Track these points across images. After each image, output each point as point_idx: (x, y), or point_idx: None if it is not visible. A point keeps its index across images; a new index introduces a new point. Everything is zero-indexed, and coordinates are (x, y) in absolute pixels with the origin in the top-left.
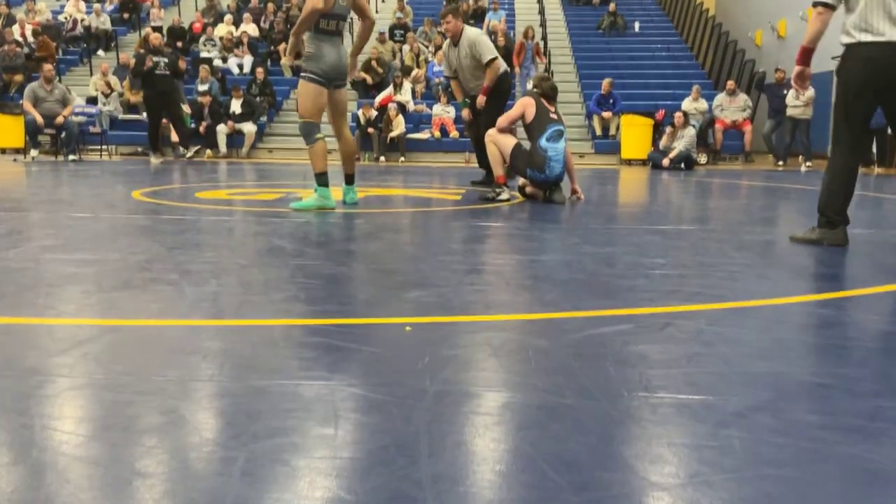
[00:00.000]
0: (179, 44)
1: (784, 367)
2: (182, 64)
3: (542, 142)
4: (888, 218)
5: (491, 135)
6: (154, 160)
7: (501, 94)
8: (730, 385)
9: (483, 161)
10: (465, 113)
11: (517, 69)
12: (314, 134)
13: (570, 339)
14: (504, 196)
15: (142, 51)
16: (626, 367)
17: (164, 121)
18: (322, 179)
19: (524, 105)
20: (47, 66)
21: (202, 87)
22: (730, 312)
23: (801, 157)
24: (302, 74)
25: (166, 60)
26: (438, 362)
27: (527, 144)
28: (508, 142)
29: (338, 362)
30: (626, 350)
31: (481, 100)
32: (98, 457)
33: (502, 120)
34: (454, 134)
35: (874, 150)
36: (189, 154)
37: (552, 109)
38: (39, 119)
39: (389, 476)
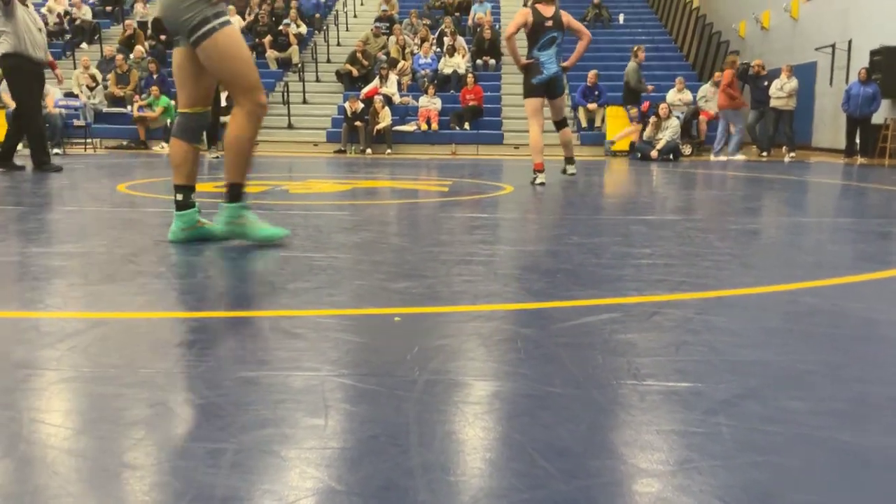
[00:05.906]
0: (163, 37)
1: (771, 354)
2: None
3: (535, 52)
4: (871, 207)
5: (531, 120)
6: (209, 155)
7: None
8: (717, 373)
9: (34, 147)
10: None
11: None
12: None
13: (558, 329)
14: (540, 180)
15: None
16: (614, 355)
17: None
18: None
19: (524, 15)
20: None
21: None
22: (716, 301)
23: (784, 147)
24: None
25: None
26: (428, 352)
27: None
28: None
29: (327, 353)
30: (614, 339)
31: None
32: (86, 449)
33: (510, 26)
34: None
35: (857, 140)
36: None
37: (548, 16)
38: None
39: (380, 465)
